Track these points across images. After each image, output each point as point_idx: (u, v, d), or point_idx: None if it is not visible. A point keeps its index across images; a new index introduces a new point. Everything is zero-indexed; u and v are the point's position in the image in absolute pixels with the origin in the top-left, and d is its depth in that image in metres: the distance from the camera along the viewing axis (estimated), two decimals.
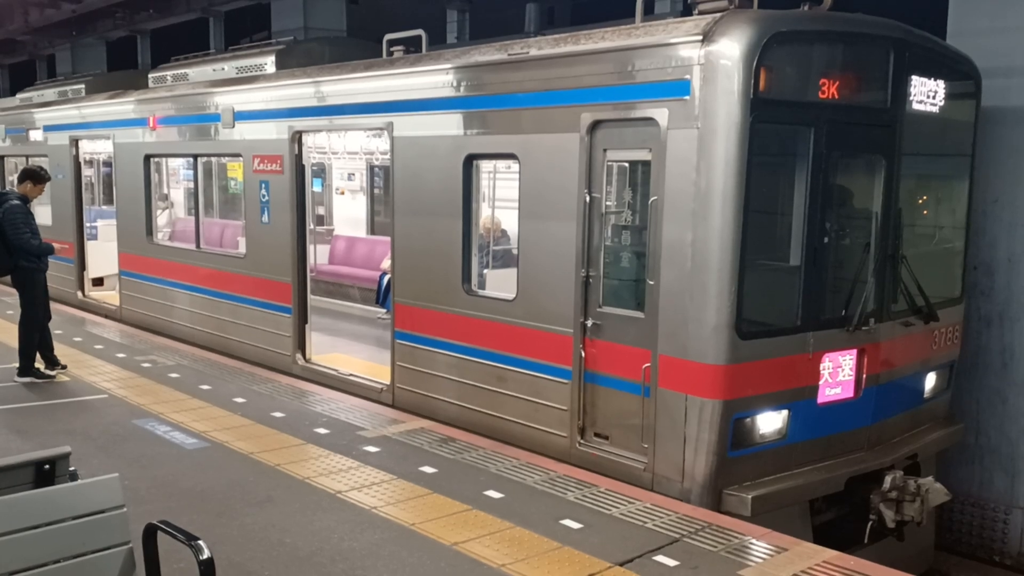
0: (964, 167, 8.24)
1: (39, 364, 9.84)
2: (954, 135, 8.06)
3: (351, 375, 9.68)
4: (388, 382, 9.06)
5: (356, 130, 10.82)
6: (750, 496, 6.39)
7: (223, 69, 12.05)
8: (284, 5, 17.55)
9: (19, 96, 18.42)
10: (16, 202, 9.56)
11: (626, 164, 7.08)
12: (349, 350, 10.91)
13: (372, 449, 7.54)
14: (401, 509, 6.23)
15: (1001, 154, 8.58)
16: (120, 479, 3.62)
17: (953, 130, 8.00)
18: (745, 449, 6.53)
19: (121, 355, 11.09)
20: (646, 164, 6.68)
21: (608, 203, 7.05)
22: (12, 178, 17.62)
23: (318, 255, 13.93)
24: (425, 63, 8.63)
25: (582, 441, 7.20)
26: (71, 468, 3.73)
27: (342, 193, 15.93)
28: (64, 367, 10.06)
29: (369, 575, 5.24)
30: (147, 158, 13.04)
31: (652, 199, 6.55)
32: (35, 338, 9.81)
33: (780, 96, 6.38)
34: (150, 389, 9.45)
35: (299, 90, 10.07)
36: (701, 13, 6.62)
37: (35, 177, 9.98)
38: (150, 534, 3.77)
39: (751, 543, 5.75)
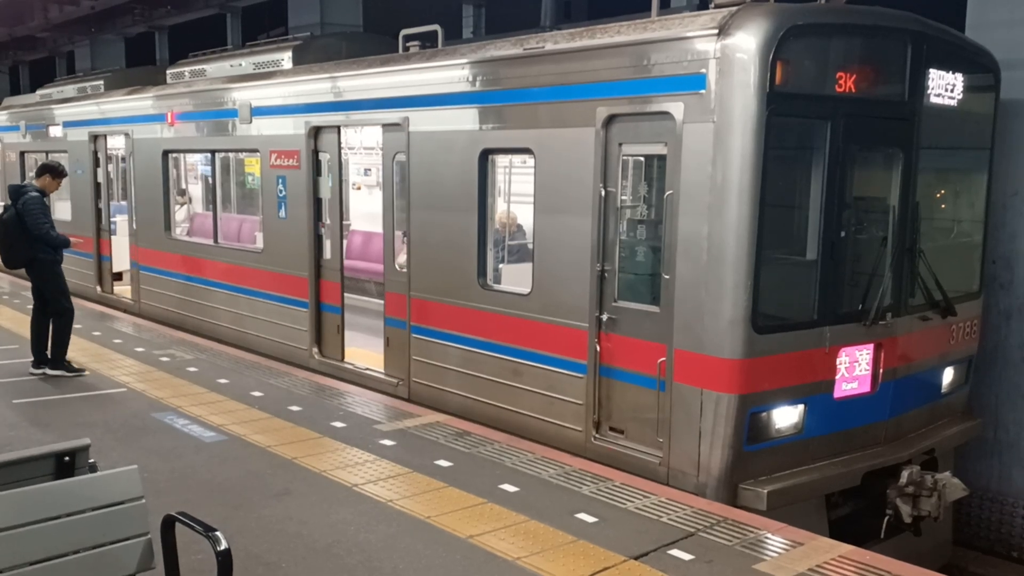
0: (983, 160, 8.18)
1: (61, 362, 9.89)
2: (973, 128, 7.99)
3: (367, 369, 9.72)
4: (404, 376, 9.09)
5: (372, 125, 10.83)
6: (766, 490, 6.39)
7: (240, 65, 12.11)
8: (301, 1, 17.61)
9: (39, 92, 18.57)
10: (35, 194, 9.64)
11: (641, 158, 7.08)
12: (365, 344, 10.93)
13: (388, 443, 7.57)
14: (417, 502, 6.25)
15: (1021, 147, 8.50)
16: (139, 471, 3.66)
17: (972, 123, 7.93)
18: (761, 443, 6.52)
19: (140, 349, 11.17)
20: (662, 158, 6.67)
21: (623, 197, 7.04)
22: (32, 174, 17.82)
23: None
24: (441, 58, 8.64)
25: (597, 435, 7.21)
26: (91, 460, 3.78)
27: (358, 188, 15.96)
28: (82, 370, 10.03)
29: (385, 567, 5.27)
30: (165, 154, 13.13)
31: (668, 193, 6.54)
32: (69, 329, 9.84)
33: (797, 89, 6.36)
34: (168, 383, 9.52)
35: (316, 86, 10.10)
36: (717, 7, 6.59)
37: (54, 171, 10.05)
38: (168, 525, 3.81)
39: (767, 537, 5.75)
